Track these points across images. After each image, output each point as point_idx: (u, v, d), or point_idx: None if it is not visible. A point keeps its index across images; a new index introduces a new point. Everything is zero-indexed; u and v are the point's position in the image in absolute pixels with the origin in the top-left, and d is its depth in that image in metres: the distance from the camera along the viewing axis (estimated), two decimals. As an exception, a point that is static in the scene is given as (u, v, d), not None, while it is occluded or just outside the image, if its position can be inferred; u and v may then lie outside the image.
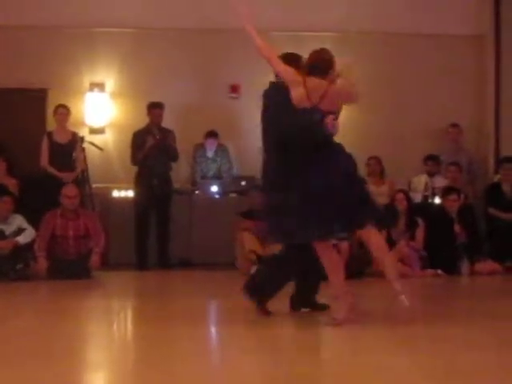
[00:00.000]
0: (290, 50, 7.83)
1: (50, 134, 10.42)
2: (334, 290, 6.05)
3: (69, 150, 10.30)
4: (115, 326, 6.45)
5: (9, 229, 9.25)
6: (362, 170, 10.75)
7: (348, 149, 10.57)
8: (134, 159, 10.52)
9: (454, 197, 10.05)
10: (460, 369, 4.56)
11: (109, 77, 11.50)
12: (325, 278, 6.13)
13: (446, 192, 10.19)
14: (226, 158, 11.17)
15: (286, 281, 6.38)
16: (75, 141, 10.38)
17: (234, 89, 11.58)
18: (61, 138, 10.38)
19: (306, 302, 6.51)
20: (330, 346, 5.61)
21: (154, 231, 10.43)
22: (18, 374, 4.34)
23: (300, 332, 6.01)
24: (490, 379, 4.34)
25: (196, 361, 4.81)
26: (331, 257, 6.04)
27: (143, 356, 5.04)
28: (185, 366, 4.64)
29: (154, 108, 10.57)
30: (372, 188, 10.52)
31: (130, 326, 6.77)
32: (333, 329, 5.79)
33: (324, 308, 6.44)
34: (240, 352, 5.05)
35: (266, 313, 6.21)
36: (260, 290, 6.23)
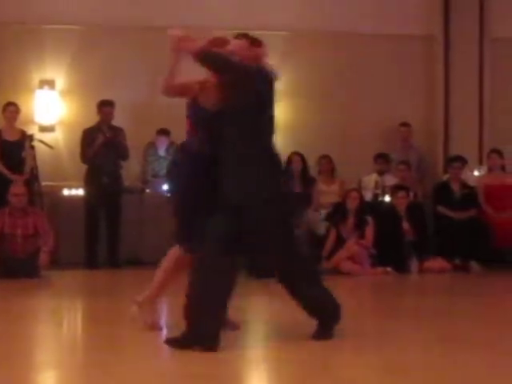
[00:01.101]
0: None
1: (-2, 132, 10.31)
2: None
3: (18, 148, 10.17)
4: (64, 326, 6.43)
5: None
6: (313, 169, 10.84)
7: (300, 148, 10.75)
8: (84, 157, 10.43)
9: (402, 194, 10.14)
10: (400, 366, 4.62)
11: (59, 74, 11.38)
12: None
13: (395, 190, 10.28)
14: (177, 156, 11.11)
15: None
16: (24, 139, 10.25)
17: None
18: (10, 136, 10.24)
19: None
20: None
21: (103, 230, 10.34)
22: None
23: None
24: (429, 376, 4.39)
25: (143, 362, 4.79)
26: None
27: (91, 357, 5.01)
28: (132, 368, 4.62)
29: (105, 106, 10.48)
30: (323, 187, 10.62)
31: (78, 326, 6.73)
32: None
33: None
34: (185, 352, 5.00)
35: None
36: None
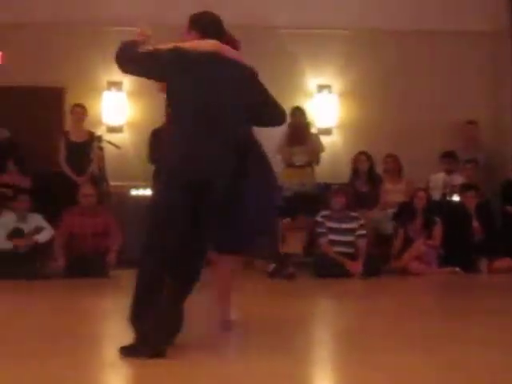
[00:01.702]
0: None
1: (66, 133, 10.42)
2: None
3: (85, 149, 10.30)
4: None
5: (27, 227, 9.31)
6: (379, 168, 10.76)
7: (366, 147, 10.69)
8: (151, 158, 10.48)
9: (472, 193, 10.03)
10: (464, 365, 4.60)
11: (126, 76, 11.45)
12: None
13: (464, 189, 10.16)
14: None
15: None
16: (92, 140, 10.38)
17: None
18: (77, 137, 10.36)
19: None
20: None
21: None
22: (36, 372, 4.38)
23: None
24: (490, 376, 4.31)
25: (208, 363, 4.77)
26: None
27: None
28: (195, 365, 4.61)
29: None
30: (389, 186, 10.53)
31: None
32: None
33: None
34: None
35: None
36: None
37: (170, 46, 5.13)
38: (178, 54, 5.00)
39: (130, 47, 5.13)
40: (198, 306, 5.74)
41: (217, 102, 4.90)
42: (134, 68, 5.18)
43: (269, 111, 5.19)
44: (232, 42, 5.32)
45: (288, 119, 6.08)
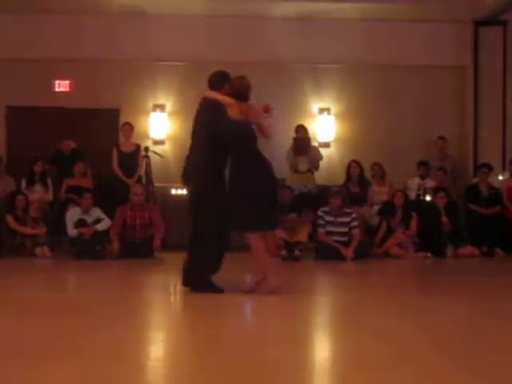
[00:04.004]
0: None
1: (118, 145, 10.49)
2: (263, 269, 5.96)
3: (133, 157, 10.35)
4: (171, 295, 6.55)
5: (90, 219, 9.37)
6: (368, 173, 10.82)
7: (357, 156, 10.75)
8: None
9: (441, 194, 10.07)
10: (434, 330, 4.61)
11: (168, 100, 11.60)
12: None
13: (436, 191, 10.21)
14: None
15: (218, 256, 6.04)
16: (138, 150, 10.46)
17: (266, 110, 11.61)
18: (126, 148, 10.43)
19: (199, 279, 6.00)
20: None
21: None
22: (111, 335, 4.40)
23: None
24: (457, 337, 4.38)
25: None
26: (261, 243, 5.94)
27: (196, 319, 5.10)
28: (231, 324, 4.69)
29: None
30: (375, 188, 10.60)
31: (182, 294, 6.85)
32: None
33: (219, 291, 5.92)
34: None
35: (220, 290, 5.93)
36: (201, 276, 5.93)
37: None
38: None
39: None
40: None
41: None
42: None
43: None
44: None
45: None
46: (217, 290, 5.88)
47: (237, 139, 5.88)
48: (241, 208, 5.81)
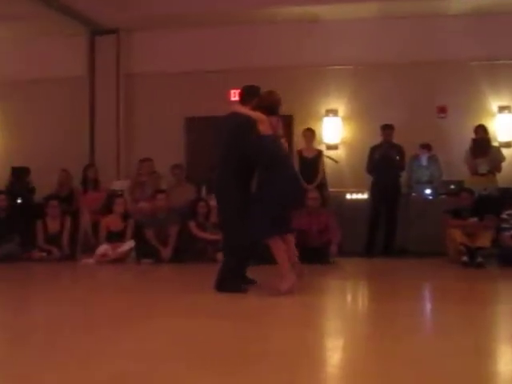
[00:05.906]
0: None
1: (299, 151, 10.57)
2: (281, 270, 6.14)
3: (313, 162, 10.40)
4: (348, 301, 6.55)
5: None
6: None
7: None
8: (367, 168, 10.56)
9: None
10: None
11: (341, 104, 11.64)
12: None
13: None
14: (436, 165, 10.88)
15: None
16: (320, 156, 10.51)
17: (442, 110, 11.35)
18: (308, 153, 10.51)
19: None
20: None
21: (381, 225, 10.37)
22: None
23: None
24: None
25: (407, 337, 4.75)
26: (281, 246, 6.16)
27: (369, 328, 5.05)
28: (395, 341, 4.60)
29: (385, 129, 10.52)
30: None
31: (362, 302, 6.81)
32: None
33: (252, 282, 6.58)
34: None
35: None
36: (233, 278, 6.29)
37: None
38: None
39: None
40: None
41: None
42: None
43: None
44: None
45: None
46: (240, 289, 6.21)
47: (264, 155, 6.09)
48: (255, 218, 6.03)
